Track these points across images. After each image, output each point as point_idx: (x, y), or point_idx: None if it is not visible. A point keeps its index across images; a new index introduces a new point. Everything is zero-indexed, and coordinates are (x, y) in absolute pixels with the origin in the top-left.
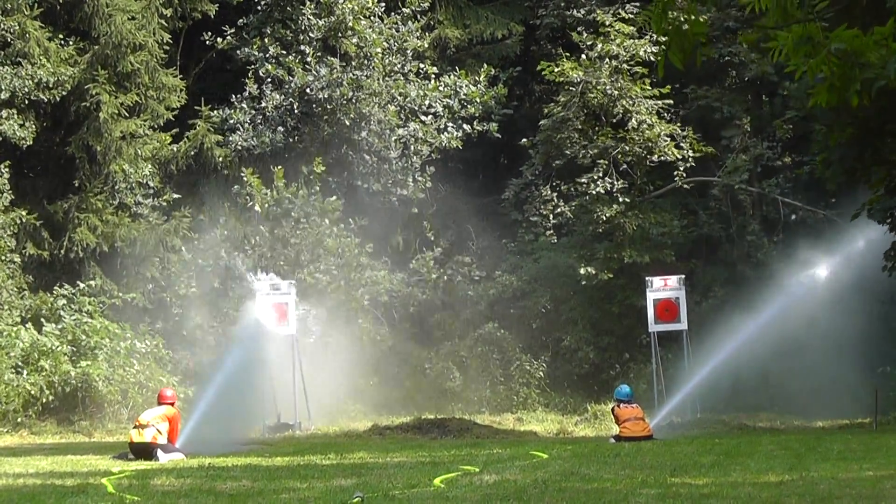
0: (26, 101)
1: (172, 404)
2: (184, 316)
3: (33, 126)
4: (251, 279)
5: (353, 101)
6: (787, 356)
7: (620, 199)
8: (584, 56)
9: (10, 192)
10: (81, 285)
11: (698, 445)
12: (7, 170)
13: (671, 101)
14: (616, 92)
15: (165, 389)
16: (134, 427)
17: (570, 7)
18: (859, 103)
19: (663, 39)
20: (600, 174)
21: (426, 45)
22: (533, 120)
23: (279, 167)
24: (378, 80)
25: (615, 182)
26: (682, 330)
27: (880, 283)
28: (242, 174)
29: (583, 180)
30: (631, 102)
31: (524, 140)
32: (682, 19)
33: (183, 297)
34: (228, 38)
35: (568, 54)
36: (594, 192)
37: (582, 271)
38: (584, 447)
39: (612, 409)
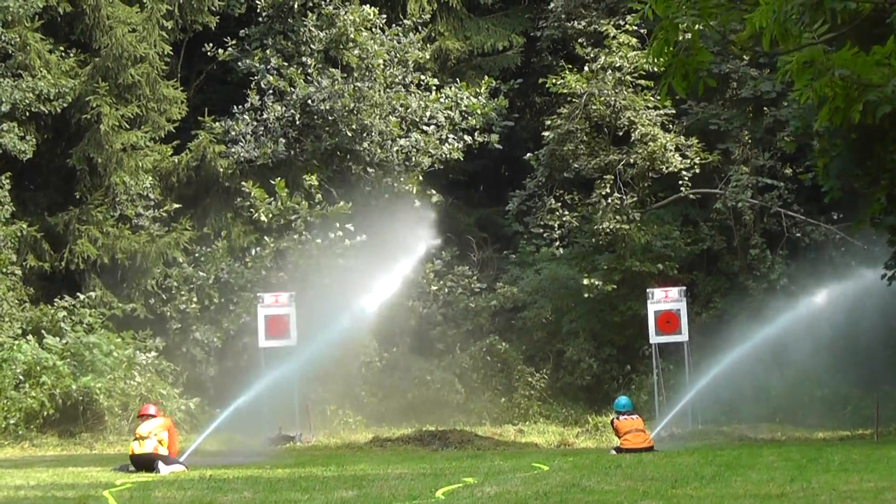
0: (27, 114)
1: (158, 415)
2: (184, 330)
3: (34, 138)
4: (253, 293)
5: (355, 112)
6: (788, 368)
7: (630, 215)
8: (587, 68)
9: (11, 204)
10: (82, 297)
11: (699, 457)
12: (8, 182)
13: (674, 111)
14: (620, 103)
15: (148, 405)
16: (134, 439)
17: (571, 19)
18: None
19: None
20: (607, 189)
21: (427, 57)
22: (534, 132)
23: (279, 179)
24: (379, 91)
25: (624, 197)
26: (683, 341)
27: (883, 297)
28: (244, 187)
29: (592, 197)
30: (635, 114)
31: (528, 155)
32: (686, 49)
33: (183, 312)
34: (230, 49)
35: (569, 66)
36: (603, 206)
37: (585, 282)
38: (586, 459)
39: (612, 422)
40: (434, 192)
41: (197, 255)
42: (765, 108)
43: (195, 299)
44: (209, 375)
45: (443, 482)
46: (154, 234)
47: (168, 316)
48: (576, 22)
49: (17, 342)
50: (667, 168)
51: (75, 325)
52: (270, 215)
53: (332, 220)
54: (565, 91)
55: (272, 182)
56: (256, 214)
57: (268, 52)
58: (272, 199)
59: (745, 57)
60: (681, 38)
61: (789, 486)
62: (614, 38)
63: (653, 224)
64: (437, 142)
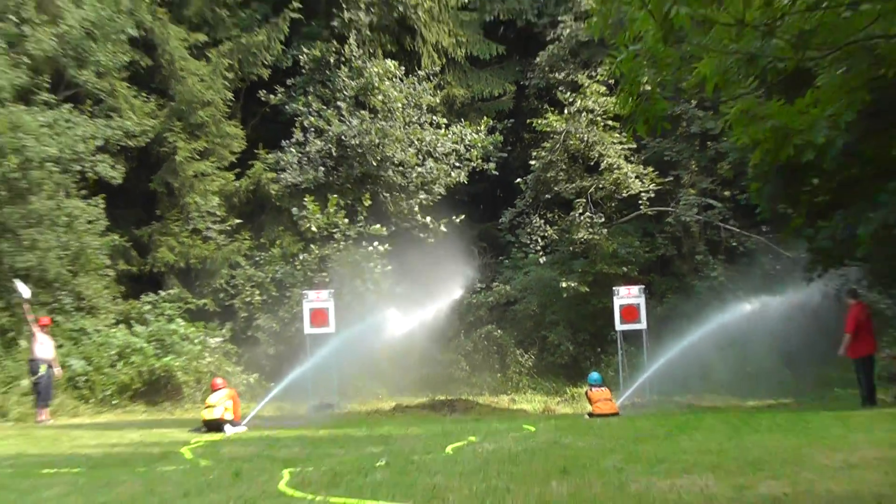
0: (117, 147)
1: (225, 387)
2: (249, 318)
3: (123, 167)
4: (301, 289)
5: (380, 146)
6: (726, 350)
7: (599, 228)
8: (565, 110)
9: (105, 220)
10: (163, 293)
11: (655, 421)
12: (102, 202)
13: (635, 146)
14: (592, 139)
15: (216, 379)
16: (205, 408)
17: (553, 71)
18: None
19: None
20: (581, 208)
21: (437, 101)
22: (523, 161)
23: (334, 196)
24: (399, 128)
25: (593, 216)
26: (642, 329)
27: (802, 294)
28: (304, 202)
29: (570, 214)
30: (603, 148)
31: (518, 180)
32: (647, 98)
33: (247, 304)
34: (279, 95)
35: (552, 109)
36: (578, 221)
37: (563, 284)
38: (565, 421)
39: (586, 392)
40: (455, 216)
41: (256, 259)
42: (708, 143)
43: (258, 293)
44: (267, 355)
45: (451, 440)
46: (220, 244)
47: (236, 307)
48: (557, 73)
49: (111, 330)
50: (628, 191)
51: (158, 316)
52: (319, 226)
53: (367, 236)
54: (548, 129)
55: (314, 200)
56: (309, 225)
57: (309, 97)
58: (321, 213)
59: (692, 100)
60: (642, 88)
61: (727, 444)
62: (588, 86)
63: (618, 235)
64: (448, 167)
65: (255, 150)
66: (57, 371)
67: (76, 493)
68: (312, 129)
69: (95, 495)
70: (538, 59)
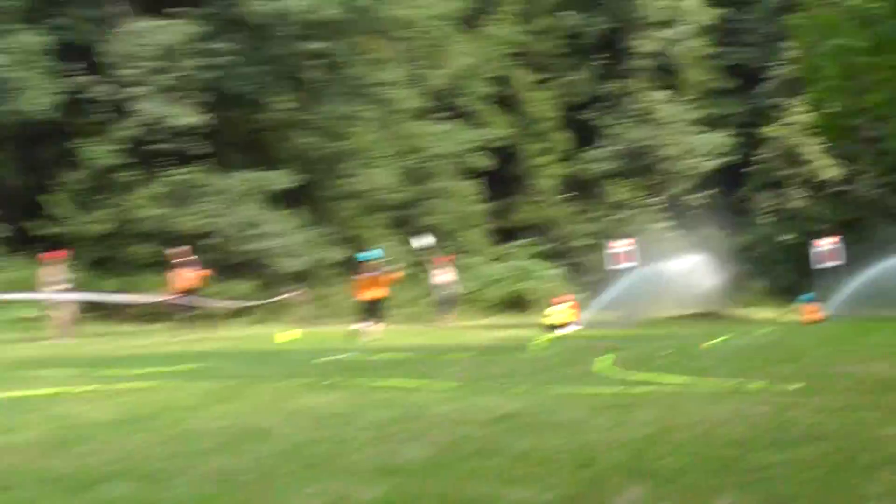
0: (487, 148)
1: (565, 301)
2: (577, 257)
3: (493, 161)
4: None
5: (658, 146)
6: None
7: (804, 201)
8: (779, 122)
9: (482, 193)
10: (521, 241)
11: (849, 326)
12: (480, 182)
13: (827, 145)
14: (797, 141)
15: (558, 297)
16: (549, 315)
17: (771, 97)
18: None
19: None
20: (791, 188)
21: (695, 117)
22: (752, 155)
23: (630, 180)
24: (670, 135)
25: (799, 191)
26: (840, 264)
27: None
28: (611, 182)
29: (782, 192)
30: (805, 147)
31: (750, 168)
32: (834, 116)
33: (577, 248)
34: (591, 113)
35: (771, 121)
36: (791, 197)
37: (783, 237)
38: (788, 327)
39: (800, 307)
40: (710, 190)
41: (582, 218)
42: (877, 143)
43: (583, 240)
44: (590, 281)
45: (712, 337)
46: (557, 209)
47: (569, 249)
48: (773, 98)
49: (488, 265)
50: (824, 175)
51: (518, 256)
52: (620, 198)
53: (651, 205)
54: (768, 135)
55: (625, 180)
56: (613, 196)
57: (611, 116)
58: (621, 190)
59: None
60: (830, 109)
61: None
62: (794, 106)
63: (819, 204)
64: (705, 160)
65: (577, 149)
66: (455, 290)
67: (470, 370)
68: (613, 135)
69: (483, 370)
70: (760, 89)
